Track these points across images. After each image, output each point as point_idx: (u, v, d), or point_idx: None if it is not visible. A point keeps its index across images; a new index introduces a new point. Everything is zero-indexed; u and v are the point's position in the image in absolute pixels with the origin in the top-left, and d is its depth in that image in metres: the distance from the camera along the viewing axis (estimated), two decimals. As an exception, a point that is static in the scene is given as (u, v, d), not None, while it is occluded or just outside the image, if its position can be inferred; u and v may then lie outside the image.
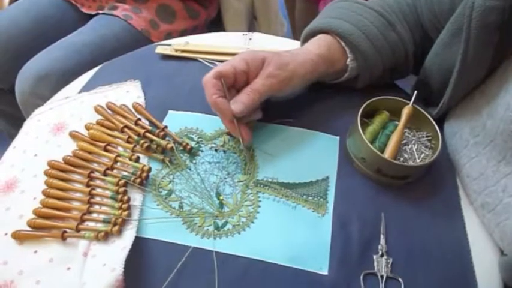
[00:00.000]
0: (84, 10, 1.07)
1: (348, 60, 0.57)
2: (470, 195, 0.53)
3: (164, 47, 0.72)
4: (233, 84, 0.55)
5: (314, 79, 0.58)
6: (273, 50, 0.72)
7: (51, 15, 1.05)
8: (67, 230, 0.49)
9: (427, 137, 0.56)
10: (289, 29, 1.65)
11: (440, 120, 0.59)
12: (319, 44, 0.58)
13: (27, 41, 1.00)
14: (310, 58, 0.56)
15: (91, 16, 1.07)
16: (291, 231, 0.50)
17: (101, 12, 1.05)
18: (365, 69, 0.59)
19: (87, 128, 0.59)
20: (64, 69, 0.90)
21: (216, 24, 1.21)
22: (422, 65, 0.61)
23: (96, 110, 0.61)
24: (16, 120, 1.04)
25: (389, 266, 0.47)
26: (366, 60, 0.57)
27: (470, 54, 0.48)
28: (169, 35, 1.06)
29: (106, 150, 0.56)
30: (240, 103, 0.52)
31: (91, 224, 0.49)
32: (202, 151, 0.58)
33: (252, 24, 1.29)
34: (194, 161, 0.56)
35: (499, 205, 0.47)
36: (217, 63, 0.70)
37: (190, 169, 0.56)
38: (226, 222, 0.50)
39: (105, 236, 0.47)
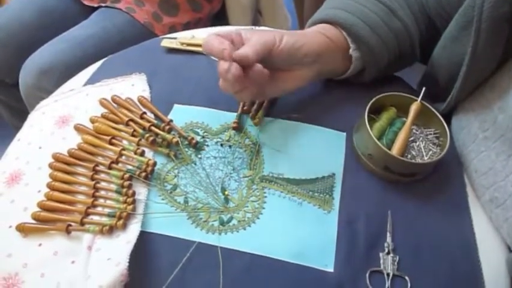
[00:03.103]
0: (86, 2, 1.07)
1: (351, 50, 0.56)
2: (477, 190, 0.53)
3: (170, 40, 0.72)
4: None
5: (325, 62, 0.57)
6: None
7: (54, 8, 1.05)
8: (72, 223, 0.48)
9: (434, 134, 0.56)
10: (294, 23, 1.64)
11: (448, 116, 0.58)
12: (323, 27, 0.58)
13: (31, 34, 0.99)
14: (310, 30, 0.56)
15: (94, 9, 1.06)
16: (297, 228, 0.49)
17: (103, 5, 1.05)
18: (370, 60, 0.58)
19: (92, 121, 0.59)
20: (67, 62, 0.90)
21: (220, 18, 1.21)
22: (430, 55, 0.61)
23: (101, 103, 0.61)
24: (22, 114, 1.04)
25: (395, 263, 0.46)
26: (370, 49, 0.56)
27: (481, 46, 0.48)
28: (173, 28, 1.05)
29: (111, 144, 0.56)
30: (243, 47, 0.49)
31: (96, 218, 0.49)
32: (207, 146, 0.57)
33: (256, 19, 1.28)
34: (199, 156, 0.56)
35: (508, 200, 0.47)
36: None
37: (195, 164, 0.55)
38: (231, 218, 0.50)
39: (109, 230, 0.47)
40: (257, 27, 0.77)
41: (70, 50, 0.92)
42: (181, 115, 0.60)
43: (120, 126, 0.58)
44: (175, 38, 0.72)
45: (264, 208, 0.51)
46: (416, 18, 0.60)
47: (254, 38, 0.50)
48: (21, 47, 0.98)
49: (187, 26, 1.08)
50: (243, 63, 0.48)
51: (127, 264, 0.43)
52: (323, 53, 0.56)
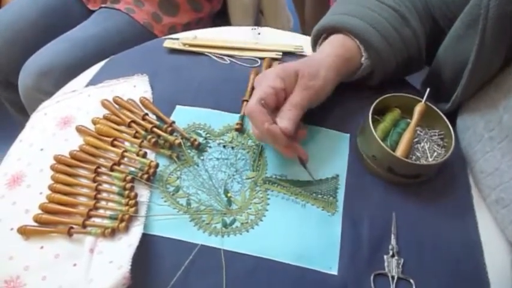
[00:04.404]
0: (90, 7, 1.07)
1: (363, 58, 0.56)
2: (483, 190, 0.52)
3: (172, 41, 0.71)
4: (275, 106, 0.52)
5: (338, 82, 0.57)
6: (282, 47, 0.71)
7: (58, 9, 1.04)
8: (73, 225, 0.48)
9: (439, 135, 0.55)
10: (296, 23, 1.63)
11: (451, 116, 0.58)
12: (333, 45, 0.57)
13: (35, 34, 0.99)
14: (332, 60, 0.55)
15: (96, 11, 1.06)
16: (300, 230, 0.49)
17: (103, 6, 1.04)
18: (379, 66, 0.58)
19: (94, 122, 0.58)
20: (67, 63, 0.89)
21: (221, 18, 1.20)
22: (433, 56, 0.60)
23: (103, 104, 0.60)
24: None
25: (400, 266, 0.46)
26: (380, 57, 0.56)
27: (487, 44, 0.48)
28: (173, 28, 1.05)
29: (113, 145, 0.55)
30: (286, 119, 0.49)
31: (98, 220, 0.49)
32: (210, 147, 0.57)
33: (258, 19, 1.27)
34: (202, 157, 0.56)
35: None
36: (225, 57, 0.69)
37: (198, 165, 0.55)
38: (234, 220, 0.50)
39: (112, 233, 0.47)
40: (259, 28, 0.77)
41: (70, 51, 0.92)
42: (184, 116, 0.60)
43: (122, 128, 0.58)
44: (177, 39, 0.72)
45: (267, 210, 0.51)
46: (421, 19, 0.60)
47: (297, 98, 0.51)
48: (25, 46, 0.97)
49: (187, 27, 1.07)
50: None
51: (129, 267, 0.43)
52: (338, 78, 0.56)
